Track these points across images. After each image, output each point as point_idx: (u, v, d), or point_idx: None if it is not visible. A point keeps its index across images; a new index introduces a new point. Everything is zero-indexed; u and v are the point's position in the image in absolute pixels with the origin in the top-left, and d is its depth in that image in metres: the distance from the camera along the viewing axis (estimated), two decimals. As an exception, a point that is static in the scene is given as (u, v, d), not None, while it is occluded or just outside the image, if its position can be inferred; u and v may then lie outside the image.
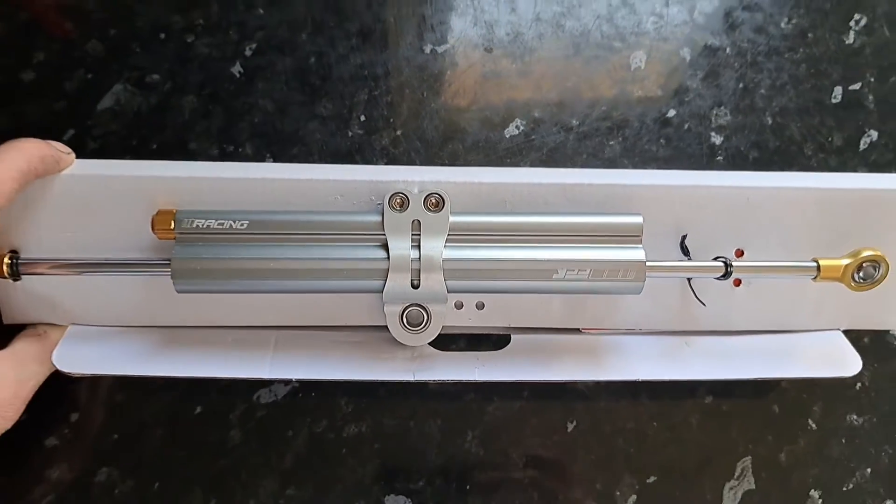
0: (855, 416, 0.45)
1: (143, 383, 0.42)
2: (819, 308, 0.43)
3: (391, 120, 0.47)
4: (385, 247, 0.38)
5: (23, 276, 0.38)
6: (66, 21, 0.46)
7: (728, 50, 0.50)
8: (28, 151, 0.36)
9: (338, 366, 0.40)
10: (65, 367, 0.38)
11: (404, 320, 0.39)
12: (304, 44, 0.47)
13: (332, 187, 0.40)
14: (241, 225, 0.38)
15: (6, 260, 0.37)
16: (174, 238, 0.38)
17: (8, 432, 0.35)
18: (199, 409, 0.42)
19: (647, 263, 0.38)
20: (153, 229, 0.38)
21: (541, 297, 0.41)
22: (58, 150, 0.38)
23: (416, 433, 0.42)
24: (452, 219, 0.38)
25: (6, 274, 0.37)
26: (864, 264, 0.40)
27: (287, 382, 0.43)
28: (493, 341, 0.43)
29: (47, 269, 0.38)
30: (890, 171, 0.47)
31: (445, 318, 0.39)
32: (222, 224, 0.38)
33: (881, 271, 0.40)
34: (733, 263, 0.39)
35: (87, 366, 0.39)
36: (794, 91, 0.49)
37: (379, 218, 0.38)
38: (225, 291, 0.39)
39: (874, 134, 0.49)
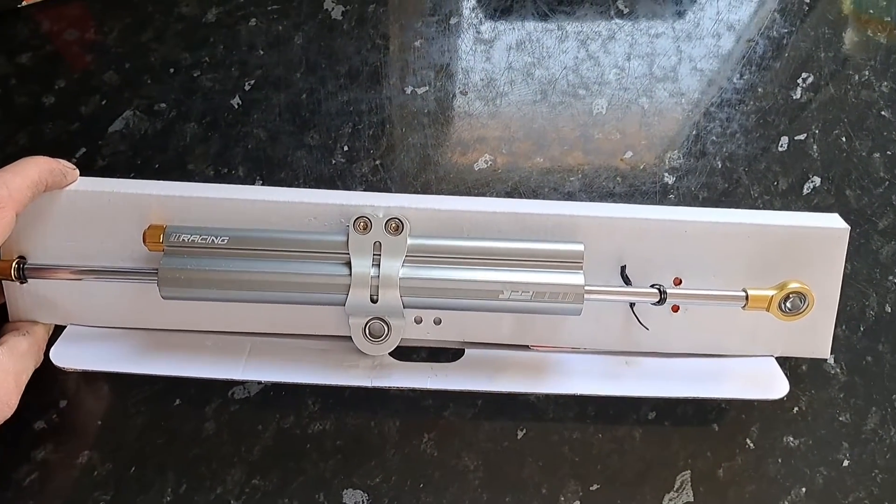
0: (791, 438, 0.44)
1: (127, 375, 0.42)
2: (754, 335, 0.43)
3: (371, 151, 0.48)
4: (348, 265, 0.39)
5: (28, 280, 0.39)
6: (87, 54, 0.48)
7: (683, 100, 0.51)
8: (40, 165, 0.37)
9: (305, 371, 0.40)
10: (61, 363, 0.39)
11: (367, 331, 0.40)
12: (297, 81, 0.49)
13: (307, 209, 0.41)
14: (222, 241, 0.39)
15: (14, 264, 0.39)
16: (163, 250, 0.39)
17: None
18: (177, 402, 0.43)
19: (586, 287, 0.38)
20: (144, 242, 0.39)
21: (493, 316, 0.42)
22: (65, 166, 0.39)
23: (376, 433, 0.42)
24: (411, 241, 0.39)
25: (14, 276, 0.39)
26: (790, 296, 0.40)
27: (260, 382, 0.43)
28: (450, 354, 0.43)
29: (50, 274, 0.39)
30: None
31: (405, 331, 0.40)
32: (205, 239, 0.39)
33: (807, 303, 0.40)
34: (668, 291, 0.39)
35: (80, 362, 0.40)
36: (743, 139, 0.50)
37: (344, 238, 0.39)
38: (205, 299, 0.39)
39: (817, 180, 0.50)
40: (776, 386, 0.41)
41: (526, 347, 0.43)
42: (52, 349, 0.40)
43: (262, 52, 0.49)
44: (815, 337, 0.43)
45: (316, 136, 0.48)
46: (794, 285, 0.40)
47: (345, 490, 0.42)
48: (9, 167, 0.37)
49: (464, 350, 0.43)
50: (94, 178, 0.41)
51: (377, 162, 0.48)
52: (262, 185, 0.47)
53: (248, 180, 0.47)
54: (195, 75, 0.48)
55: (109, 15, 0.49)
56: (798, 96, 0.51)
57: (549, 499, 0.42)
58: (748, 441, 0.44)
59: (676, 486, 0.43)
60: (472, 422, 0.43)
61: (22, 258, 0.40)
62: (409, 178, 0.48)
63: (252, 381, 0.43)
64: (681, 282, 0.42)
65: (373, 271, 0.39)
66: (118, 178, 0.42)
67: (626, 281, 0.42)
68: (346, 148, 0.48)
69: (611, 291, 0.40)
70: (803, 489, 0.44)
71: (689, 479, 0.43)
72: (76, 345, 0.41)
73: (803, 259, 0.42)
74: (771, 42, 0.52)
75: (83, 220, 0.40)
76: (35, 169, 0.37)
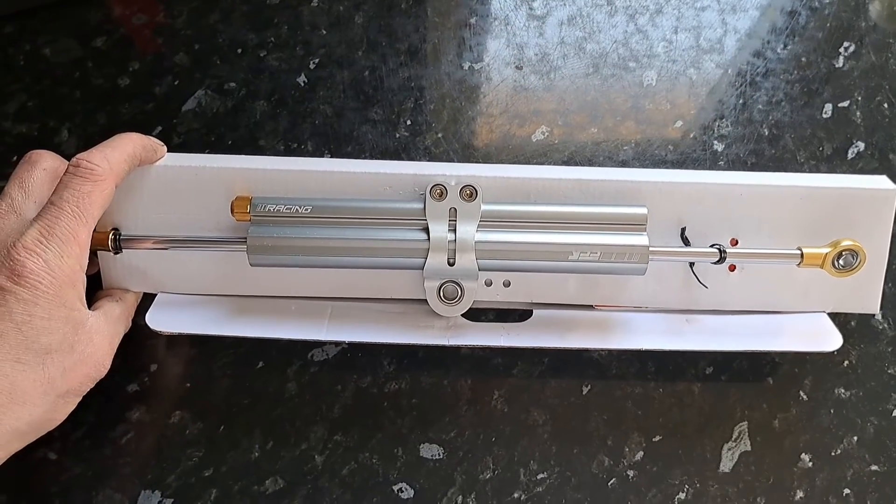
0: (843, 390, 0.47)
1: (213, 340, 0.45)
2: (806, 292, 0.45)
3: (433, 124, 0.50)
4: (426, 230, 0.41)
5: (123, 250, 0.42)
6: (157, 37, 0.51)
7: (730, 71, 0.53)
8: (134, 141, 0.40)
9: (383, 332, 0.43)
10: (156, 327, 0.42)
11: (441, 294, 0.43)
12: (359, 59, 0.51)
13: (382, 179, 0.43)
14: (306, 210, 0.41)
15: (110, 235, 0.41)
16: (249, 220, 0.41)
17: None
18: (260, 364, 0.45)
19: (650, 248, 0.41)
20: (232, 212, 0.41)
21: (559, 277, 0.44)
22: (155, 142, 0.42)
23: (449, 391, 0.45)
24: (484, 207, 0.42)
25: (109, 247, 0.41)
26: (843, 253, 0.42)
27: (338, 344, 0.45)
28: (517, 315, 0.45)
29: (143, 245, 0.42)
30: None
31: (476, 293, 0.42)
32: (290, 209, 0.41)
33: (859, 259, 0.43)
34: (727, 250, 0.42)
35: (174, 326, 0.42)
36: (788, 107, 0.52)
37: (421, 205, 0.42)
38: (291, 266, 0.42)
39: (861, 145, 0.52)
40: (830, 339, 0.44)
41: (590, 307, 0.46)
42: (148, 314, 0.42)
43: (324, 32, 0.52)
44: (865, 293, 0.46)
45: (380, 111, 0.50)
46: (846, 243, 0.42)
47: (422, 444, 0.44)
48: (107, 142, 0.39)
49: (531, 311, 0.45)
50: (182, 153, 0.43)
51: (439, 135, 0.50)
52: (331, 158, 0.49)
53: (316, 154, 0.49)
54: (262, 55, 0.51)
55: (177, -1, 0.52)
56: (840, 65, 0.53)
57: (614, 450, 0.45)
58: (802, 393, 0.47)
59: (734, 437, 0.46)
60: (539, 379, 0.46)
61: (116, 230, 0.42)
62: (470, 149, 0.50)
63: (330, 345, 0.46)
64: (737, 242, 0.44)
65: (449, 236, 0.41)
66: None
67: (686, 242, 0.44)
68: (408, 122, 0.50)
69: (673, 252, 0.42)
70: (855, 438, 0.46)
71: (747, 430, 0.46)
72: (168, 311, 0.43)
73: (853, 219, 0.44)
74: (813, 13, 0.55)
75: (172, 193, 0.43)
76: (130, 144, 0.40)
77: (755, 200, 0.44)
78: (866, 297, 0.46)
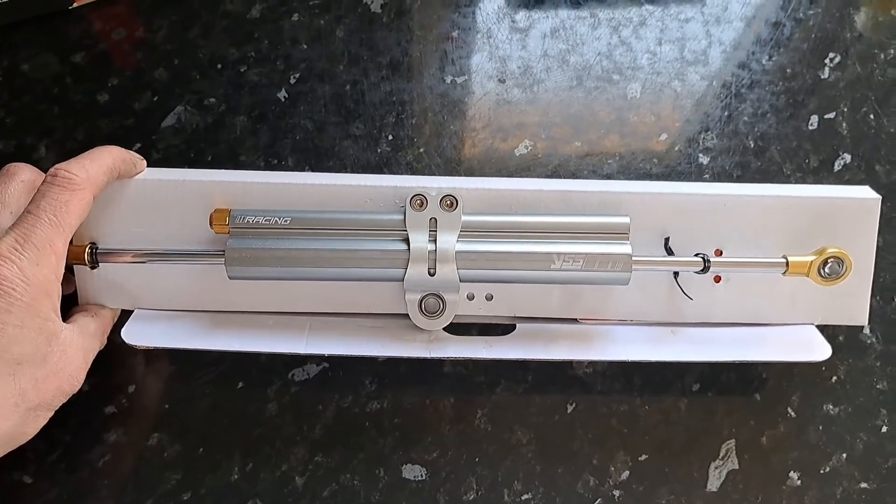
0: (831, 406, 0.47)
1: (192, 360, 0.45)
2: (793, 303, 0.45)
3: (415, 139, 0.51)
4: (406, 241, 0.42)
5: (100, 264, 0.42)
6: (137, 52, 0.52)
7: (714, 83, 0.54)
8: (113, 153, 0.40)
9: (363, 345, 0.43)
10: (131, 341, 0.42)
11: (422, 307, 0.43)
12: (340, 73, 0.52)
13: (362, 192, 0.44)
14: (285, 221, 0.42)
15: (87, 249, 0.41)
16: (228, 232, 0.42)
17: (73, 400, 0.38)
18: (240, 384, 0.45)
19: (634, 257, 0.41)
20: (211, 225, 0.42)
21: (542, 290, 0.45)
22: (134, 156, 0.42)
23: (432, 410, 0.45)
24: (465, 218, 0.42)
25: (86, 261, 0.41)
26: (828, 261, 0.43)
27: (318, 363, 0.45)
28: (500, 330, 0.46)
29: (121, 258, 0.42)
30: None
31: (458, 306, 0.43)
32: (269, 220, 0.42)
33: (845, 267, 0.43)
34: (711, 260, 0.42)
35: (150, 340, 0.42)
36: (774, 118, 0.53)
37: (401, 216, 0.42)
38: (270, 278, 0.42)
39: (847, 157, 0.53)
40: (819, 349, 0.44)
41: (574, 321, 0.46)
42: (124, 329, 0.42)
43: (305, 46, 0.52)
44: (853, 304, 0.46)
45: (361, 126, 0.51)
46: (832, 250, 0.43)
47: (404, 465, 0.45)
48: (85, 154, 0.40)
49: (514, 325, 0.46)
50: (159, 168, 0.44)
51: (421, 149, 0.51)
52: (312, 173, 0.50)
53: (297, 169, 0.50)
54: (242, 70, 0.52)
55: (157, 13, 0.52)
56: (826, 76, 0.54)
57: (599, 469, 0.45)
58: (789, 410, 0.47)
59: (722, 455, 0.46)
60: (523, 397, 0.46)
61: (93, 244, 0.42)
62: (452, 164, 0.50)
63: (311, 364, 0.46)
64: (721, 253, 0.45)
65: (430, 246, 0.42)
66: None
67: (670, 252, 0.45)
68: (390, 137, 0.51)
69: (657, 261, 0.43)
70: (844, 454, 0.46)
71: (734, 448, 0.46)
72: (145, 325, 0.43)
73: (838, 229, 0.45)
74: (798, 24, 0.56)
75: (151, 207, 0.43)
76: (109, 157, 0.40)
77: (739, 211, 0.44)
78: (854, 309, 0.46)
